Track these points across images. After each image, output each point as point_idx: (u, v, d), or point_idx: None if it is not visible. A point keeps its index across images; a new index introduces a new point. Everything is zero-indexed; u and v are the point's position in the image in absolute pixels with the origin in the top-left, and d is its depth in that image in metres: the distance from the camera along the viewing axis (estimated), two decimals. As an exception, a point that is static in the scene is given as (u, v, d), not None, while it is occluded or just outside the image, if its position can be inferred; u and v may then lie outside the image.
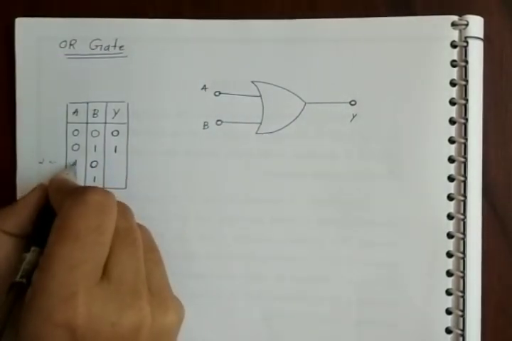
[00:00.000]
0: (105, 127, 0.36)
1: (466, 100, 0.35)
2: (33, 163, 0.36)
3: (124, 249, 0.28)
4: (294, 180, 0.35)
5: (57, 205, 0.30)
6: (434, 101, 0.35)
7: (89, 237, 0.27)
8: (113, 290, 0.27)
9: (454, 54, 0.35)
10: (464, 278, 0.34)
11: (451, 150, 0.35)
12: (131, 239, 0.29)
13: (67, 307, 0.25)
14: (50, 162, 0.36)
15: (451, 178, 0.35)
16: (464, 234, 0.34)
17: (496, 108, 0.36)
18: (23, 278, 0.28)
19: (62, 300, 0.25)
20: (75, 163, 0.36)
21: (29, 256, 0.29)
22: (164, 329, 0.28)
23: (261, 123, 0.36)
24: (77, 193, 0.28)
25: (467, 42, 0.35)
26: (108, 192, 0.29)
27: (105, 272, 0.27)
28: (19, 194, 0.36)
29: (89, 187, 0.29)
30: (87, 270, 0.27)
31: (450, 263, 0.35)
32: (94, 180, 0.36)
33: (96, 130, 0.36)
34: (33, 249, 0.30)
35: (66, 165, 0.36)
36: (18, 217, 0.31)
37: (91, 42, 0.36)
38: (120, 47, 0.36)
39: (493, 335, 0.35)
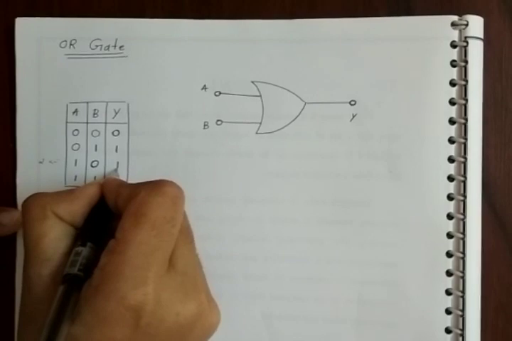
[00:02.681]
0: (106, 127, 0.36)
1: (466, 100, 0.35)
2: (33, 163, 0.36)
3: (186, 245, 0.29)
4: (294, 180, 0.35)
5: (120, 200, 0.30)
6: (434, 101, 0.35)
7: (164, 227, 0.28)
8: (179, 281, 0.28)
9: (454, 54, 0.35)
10: (463, 278, 0.34)
11: (451, 150, 0.35)
12: (191, 237, 0.30)
13: (139, 292, 0.26)
14: (50, 162, 0.36)
15: (450, 178, 0.35)
16: (463, 233, 0.34)
17: (496, 108, 0.36)
18: (80, 272, 0.28)
19: (136, 285, 0.26)
20: (116, 169, 0.36)
21: (85, 251, 0.29)
22: (211, 327, 0.30)
23: (261, 123, 0.36)
24: (153, 184, 0.29)
25: (467, 42, 0.35)
26: (180, 187, 0.29)
27: (171, 263, 0.28)
28: (19, 194, 0.36)
29: (164, 180, 0.29)
30: (160, 258, 0.27)
31: (450, 263, 0.35)
32: (94, 180, 0.36)
33: (96, 130, 0.36)
34: (89, 244, 0.29)
35: (111, 170, 0.36)
36: (71, 205, 0.30)
37: (91, 42, 0.36)
38: (120, 47, 0.36)
39: (493, 335, 0.36)
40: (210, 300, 0.30)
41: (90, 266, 0.28)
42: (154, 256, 0.27)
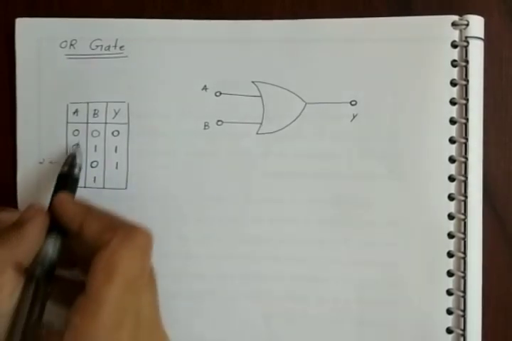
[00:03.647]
0: (105, 127, 0.36)
1: (467, 100, 0.35)
2: (33, 163, 0.36)
3: (151, 290, 0.29)
4: (294, 180, 0.35)
5: (88, 233, 0.28)
6: (435, 101, 0.35)
7: (135, 282, 0.27)
8: (146, 332, 0.28)
9: (455, 54, 0.35)
10: (464, 278, 0.34)
11: (452, 150, 0.35)
12: (155, 281, 0.29)
13: None
14: (50, 162, 0.36)
15: (451, 178, 0.35)
16: (464, 234, 0.34)
17: (496, 108, 0.36)
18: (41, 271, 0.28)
19: None
20: (77, 144, 0.36)
21: (49, 246, 0.29)
22: None
23: (261, 124, 0.36)
24: (125, 232, 0.28)
25: (467, 42, 0.35)
26: (150, 231, 0.28)
27: (138, 313, 0.27)
28: (19, 194, 0.36)
29: (136, 226, 0.28)
30: (132, 314, 0.27)
31: (451, 263, 0.35)
32: (94, 180, 0.36)
33: (96, 130, 0.36)
34: (53, 235, 0.29)
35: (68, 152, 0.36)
36: (26, 247, 0.29)
37: (91, 42, 0.36)
38: (120, 47, 0.36)
39: (494, 335, 0.35)
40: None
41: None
42: (127, 314, 0.26)
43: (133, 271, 0.27)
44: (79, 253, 0.29)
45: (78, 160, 0.34)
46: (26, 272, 0.28)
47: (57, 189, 0.32)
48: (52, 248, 0.29)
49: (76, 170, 0.34)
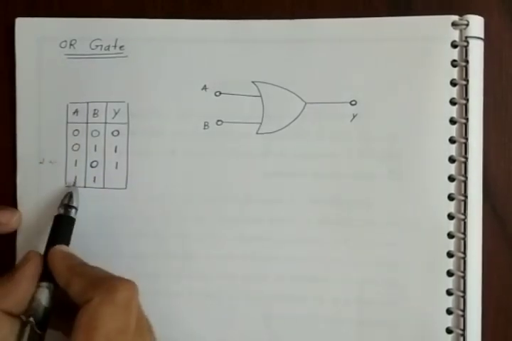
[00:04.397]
0: (105, 127, 0.36)
1: (467, 100, 0.35)
2: (33, 163, 0.36)
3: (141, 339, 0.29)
4: (294, 180, 0.35)
5: (71, 291, 0.29)
6: (435, 101, 0.35)
7: (117, 338, 0.27)
8: None
9: (455, 54, 0.35)
10: (464, 278, 0.34)
11: (452, 150, 0.35)
12: (148, 329, 0.30)
13: None
14: (50, 162, 0.36)
15: (451, 178, 0.35)
16: (464, 234, 0.34)
17: (496, 108, 0.36)
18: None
19: None
20: (74, 184, 0.36)
21: (41, 295, 0.30)
22: None
23: (261, 124, 0.36)
24: (106, 289, 0.28)
25: (467, 42, 0.35)
26: (134, 283, 0.29)
27: None
28: (19, 194, 0.36)
29: (118, 280, 0.28)
30: None
31: (451, 263, 0.35)
32: (94, 180, 0.36)
33: (96, 130, 0.36)
34: (45, 284, 0.30)
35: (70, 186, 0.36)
36: (17, 295, 0.29)
37: (91, 42, 0.36)
38: (120, 47, 0.36)
39: (494, 335, 0.35)
40: None
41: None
42: None
43: (113, 329, 0.27)
44: (70, 304, 0.29)
45: (75, 202, 0.35)
46: (21, 318, 0.29)
47: (54, 230, 0.33)
48: (45, 296, 0.30)
49: (73, 211, 0.34)
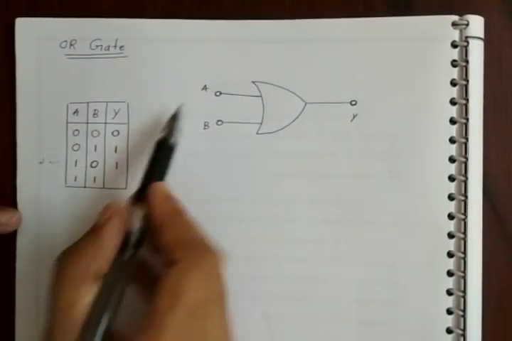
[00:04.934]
0: (105, 127, 0.36)
1: (467, 100, 0.35)
2: (33, 163, 0.36)
3: (220, 312, 0.28)
4: (294, 180, 0.35)
5: (160, 241, 0.29)
6: (435, 101, 0.35)
7: (200, 308, 0.27)
8: None
9: (455, 54, 0.35)
10: (464, 278, 0.34)
11: (452, 150, 0.35)
12: (224, 304, 0.29)
13: None
14: (50, 162, 0.36)
15: (451, 178, 0.35)
16: (464, 234, 0.34)
17: (496, 108, 0.36)
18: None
19: None
20: (178, 111, 0.34)
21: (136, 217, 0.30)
22: None
23: (261, 124, 0.36)
24: (194, 255, 0.27)
25: (467, 42, 0.35)
26: (222, 252, 0.28)
27: (205, 334, 0.27)
28: (19, 194, 0.36)
29: (209, 247, 0.28)
30: (196, 339, 0.26)
31: (451, 263, 0.35)
32: (94, 180, 0.36)
33: (96, 130, 0.36)
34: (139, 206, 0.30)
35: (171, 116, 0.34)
36: (105, 255, 0.28)
37: (91, 42, 0.36)
38: (120, 47, 0.36)
39: (494, 335, 0.35)
40: None
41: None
42: (191, 339, 0.26)
43: (198, 299, 0.27)
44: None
45: (178, 126, 0.33)
46: (103, 278, 0.28)
47: (154, 157, 0.32)
48: (138, 218, 0.30)
49: (174, 137, 0.33)
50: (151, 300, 0.26)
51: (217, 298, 0.28)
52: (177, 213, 0.30)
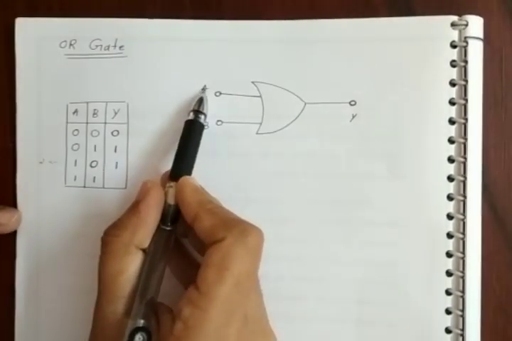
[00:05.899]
0: (105, 127, 0.36)
1: (466, 100, 0.35)
2: (33, 163, 0.36)
3: (257, 291, 0.30)
4: (294, 180, 0.35)
5: (199, 227, 0.29)
6: (434, 101, 0.35)
7: (245, 282, 0.28)
8: (250, 330, 0.28)
9: (454, 54, 0.35)
10: (463, 278, 0.34)
11: (451, 150, 0.35)
12: (259, 285, 0.31)
13: None
14: (50, 162, 0.36)
15: (450, 178, 0.35)
16: (463, 234, 0.34)
17: (496, 108, 0.36)
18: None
19: None
20: (204, 88, 0.36)
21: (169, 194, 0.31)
22: None
23: (261, 124, 0.36)
24: (239, 231, 0.28)
25: (467, 43, 0.35)
26: (262, 231, 0.29)
27: (245, 314, 0.28)
28: (19, 194, 0.36)
29: (250, 225, 0.29)
30: (240, 314, 0.28)
31: (450, 263, 0.35)
32: (94, 180, 0.36)
33: (96, 130, 0.36)
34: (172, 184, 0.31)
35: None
36: (147, 229, 0.30)
37: (91, 42, 0.36)
38: (120, 47, 0.36)
39: (493, 335, 0.35)
40: None
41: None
42: (236, 313, 0.27)
43: (243, 272, 0.28)
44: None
45: (205, 108, 0.35)
46: (147, 248, 0.30)
47: (184, 136, 0.33)
48: (171, 195, 0.31)
49: (202, 117, 0.34)
50: (197, 275, 0.28)
51: (256, 274, 0.29)
52: (209, 202, 0.31)
